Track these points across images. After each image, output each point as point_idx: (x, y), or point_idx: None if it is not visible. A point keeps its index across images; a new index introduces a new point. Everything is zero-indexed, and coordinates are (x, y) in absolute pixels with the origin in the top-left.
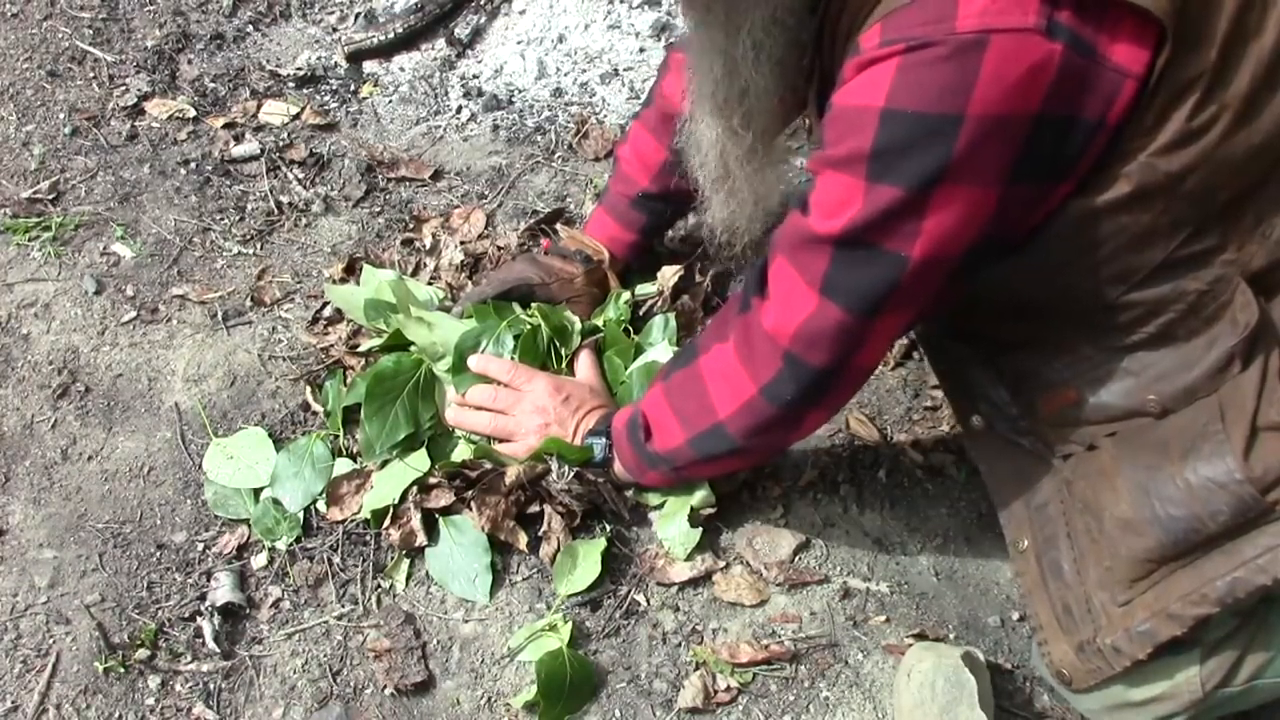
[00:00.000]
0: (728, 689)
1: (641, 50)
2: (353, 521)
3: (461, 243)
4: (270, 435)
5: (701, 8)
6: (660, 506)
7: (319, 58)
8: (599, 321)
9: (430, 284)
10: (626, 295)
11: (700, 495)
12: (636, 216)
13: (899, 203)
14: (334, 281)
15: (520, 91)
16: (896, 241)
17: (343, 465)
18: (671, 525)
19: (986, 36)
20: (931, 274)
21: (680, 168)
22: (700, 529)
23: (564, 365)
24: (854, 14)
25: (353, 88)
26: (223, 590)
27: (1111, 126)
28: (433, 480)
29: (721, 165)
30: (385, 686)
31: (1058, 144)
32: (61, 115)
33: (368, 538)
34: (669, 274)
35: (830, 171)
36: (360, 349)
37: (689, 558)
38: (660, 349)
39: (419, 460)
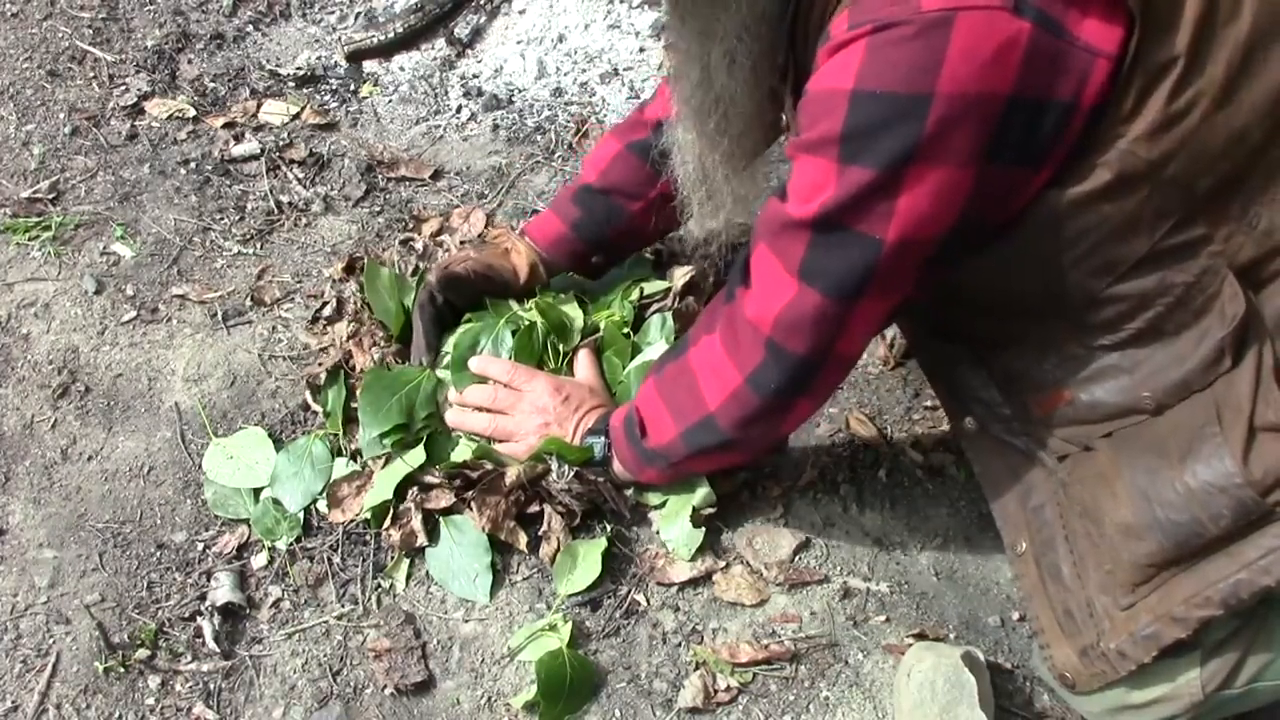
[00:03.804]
0: (728, 689)
1: (641, 50)
2: (353, 521)
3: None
4: (270, 435)
5: (677, 20)
6: (661, 506)
7: (319, 57)
8: (599, 320)
9: None
10: (634, 294)
11: (701, 494)
12: (571, 209)
13: (871, 184)
14: (334, 281)
15: (520, 91)
16: (870, 223)
17: (342, 466)
18: (674, 526)
19: (952, 14)
20: (908, 257)
21: (630, 162)
22: (703, 529)
23: (562, 364)
24: (824, 5)
25: (353, 87)
26: (223, 590)
27: (1086, 109)
28: (433, 480)
29: (700, 168)
30: (385, 686)
31: (1032, 126)
32: (61, 115)
33: (368, 538)
34: (679, 274)
35: (804, 156)
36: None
37: (691, 558)
38: (658, 348)
39: (414, 456)
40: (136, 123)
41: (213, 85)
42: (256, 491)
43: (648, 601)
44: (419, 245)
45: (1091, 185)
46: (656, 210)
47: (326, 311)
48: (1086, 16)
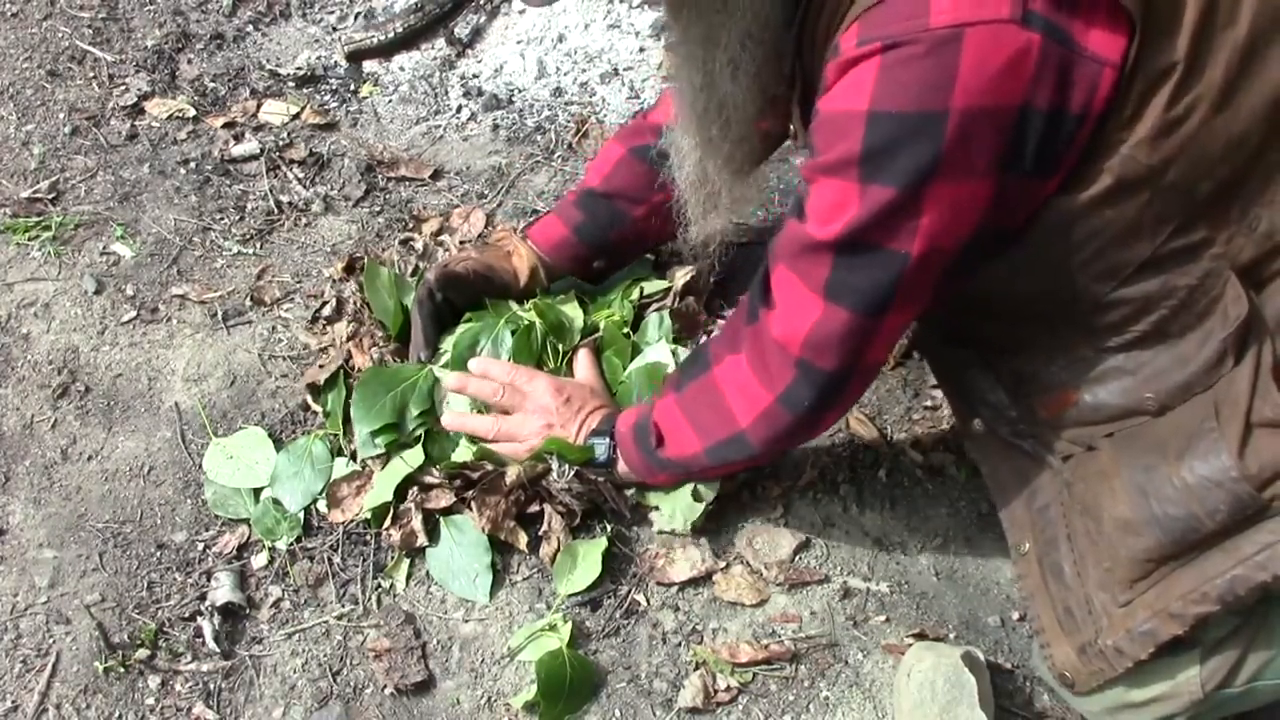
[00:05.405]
0: (728, 689)
1: (641, 50)
2: (353, 521)
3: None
4: (270, 435)
5: (680, 25)
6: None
7: (319, 57)
8: (599, 319)
9: None
10: (634, 294)
11: (703, 487)
12: (573, 213)
13: (894, 202)
14: (334, 281)
15: (520, 91)
16: (896, 240)
17: (342, 466)
18: (673, 500)
19: (961, 30)
20: (930, 269)
21: (634, 166)
22: (704, 504)
23: (561, 364)
24: (830, 16)
25: (353, 87)
26: (223, 590)
27: (1094, 117)
28: (433, 480)
29: (700, 171)
30: (385, 686)
31: (1045, 136)
32: (61, 115)
33: (368, 538)
34: (679, 274)
35: (824, 178)
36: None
37: (684, 531)
38: (658, 348)
39: (414, 456)
40: (136, 123)
41: (213, 85)
42: (256, 491)
43: (648, 601)
44: (419, 245)
45: (1094, 191)
46: (659, 215)
47: (326, 311)
48: (1092, 27)
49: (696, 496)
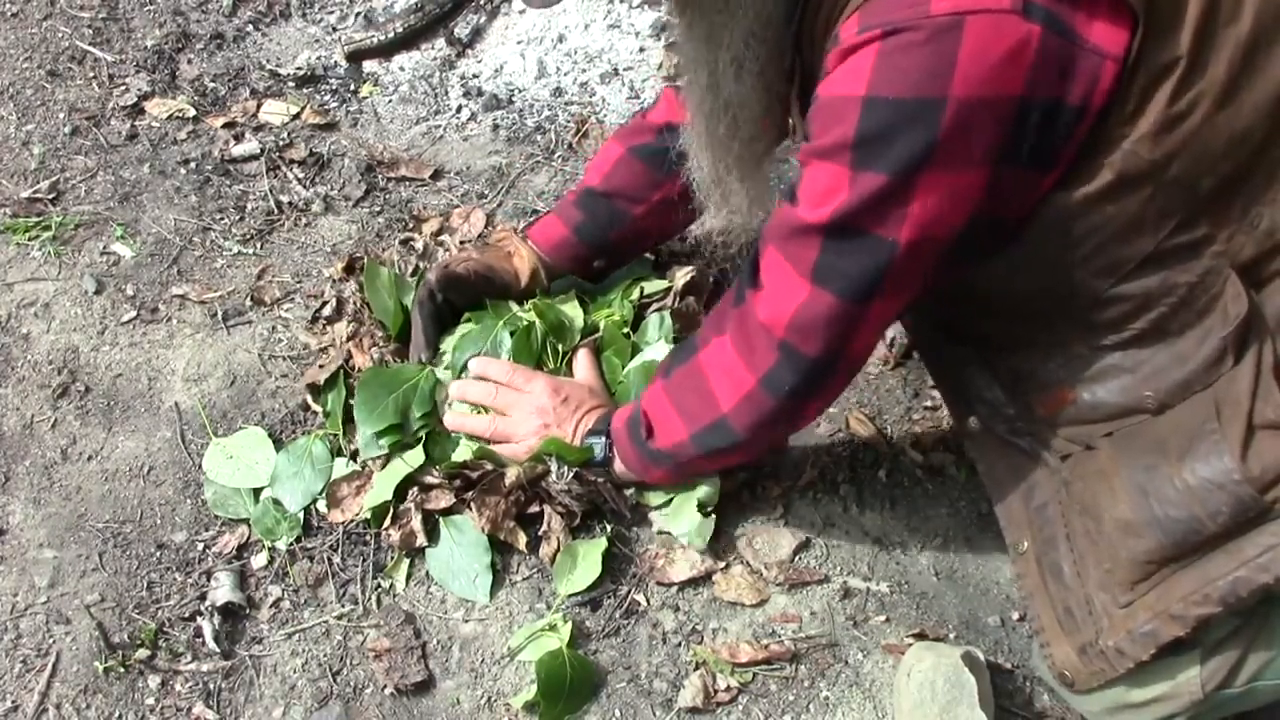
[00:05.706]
0: (728, 689)
1: (641, 50)
2: (353, 521)
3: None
4: (270, 435)
5: (684, 23)
6: (665, 505)
7: (319, 57)
8: (599, 319)
9: None
10: (634, 294)
11: (704, 490)
12: (573, 213)
13: (885, 189)
14: (334, 281)
15: (520, 91)
16: (885, 227)
17: (342, 466)
18: (682, 519)
19: (962, 18)
20: (921, 258)
21: (633, 165)
22: (713, 517)
23: (561, 364)
24: (830, 9)
25: (353, 87)
26: (223, 590)
27: (1094, 111)
28: (433, 481)
29: (714, 171)
30: (385, 686)
31: (1043, 128)
32: (61, 115)
33: (368, 538)
34: (679, 274)
35: (817, 161)
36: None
37: (701, 548)
38: (657, 348)
39: (414, 457)
40: (136, 123)
41: (213, 85)
42: (256, 491)
43: (648, 601)
44: (419, 245)
45: (1095, 186)
46: (658, 214)
47: (326, 311)
48: (1094, 19)
49: (703, 511)
